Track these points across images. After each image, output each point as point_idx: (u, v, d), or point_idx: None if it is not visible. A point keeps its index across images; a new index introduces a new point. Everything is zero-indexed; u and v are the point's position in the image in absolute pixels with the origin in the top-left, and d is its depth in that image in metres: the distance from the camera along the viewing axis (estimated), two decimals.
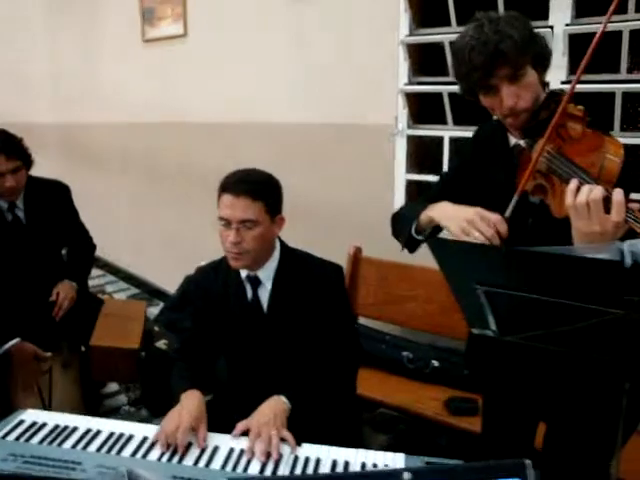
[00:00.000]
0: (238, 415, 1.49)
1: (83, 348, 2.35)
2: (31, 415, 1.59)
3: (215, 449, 1.40)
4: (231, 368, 1.71)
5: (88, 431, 1.49)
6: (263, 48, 3.10)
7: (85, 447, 1.43)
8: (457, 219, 1.23)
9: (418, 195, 2.59)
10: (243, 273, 1.64)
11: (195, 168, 3.63)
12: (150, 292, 3.99)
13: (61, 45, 4.68)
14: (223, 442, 1.43)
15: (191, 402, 1.48)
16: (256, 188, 1.52)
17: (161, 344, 2.55)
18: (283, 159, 3.03)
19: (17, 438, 1.47)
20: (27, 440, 1.46)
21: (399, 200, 2.67)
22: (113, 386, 2.86)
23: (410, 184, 2.67)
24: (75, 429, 1.51)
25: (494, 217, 1.20)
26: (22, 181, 2.29)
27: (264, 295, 1.63)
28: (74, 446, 1.43)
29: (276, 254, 1.63)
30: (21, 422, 1.55)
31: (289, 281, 1.61)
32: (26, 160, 2.31)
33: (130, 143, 4.14)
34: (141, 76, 3.86)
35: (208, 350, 1.68)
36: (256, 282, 1.62)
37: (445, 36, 2.32)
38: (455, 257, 1.12)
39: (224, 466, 1.35)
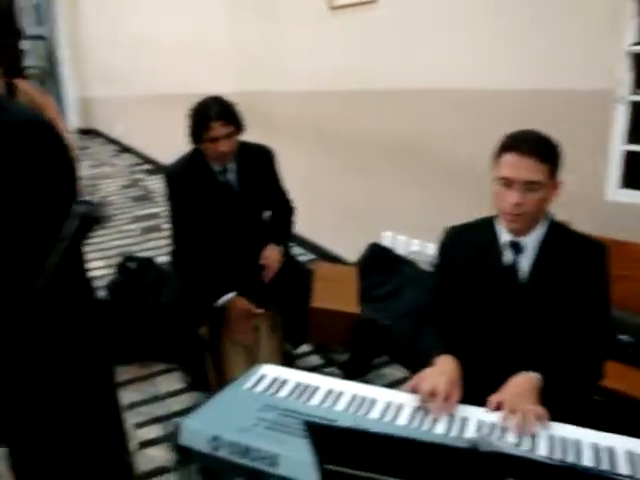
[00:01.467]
0: (477, 387, 1.46)
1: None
2: (271, 370, 1.67)
3: (464, 420, 1.39)
4: (474, 335, 1.64)
5: (330, 391, 1.55)
6: (457, 14, 2.98)
7: (331, 407, 1.48)
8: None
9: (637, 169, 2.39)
10: (505, 237, 1.58)
11: (378, 137, 3.62)
12: (327, 259, 4.09)
13: (241, 14, 4.85)
14: (471, 414, 1.41)
15: (448, 367, 1.46)
16: (544, 150, 1.46)
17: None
18: (474, 127, 2.93)
19: (265, 391, 1.56)
20: (274, 394, 1.55)
21: (613, 173, 2.46)
22: (303, 347, 2.98)
23: (629, 155, 2.45)
24: (317, 388, 1.57)
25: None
26: (234, 146, 2.36)
27: (525, 262, 1.56)
28: (320, 404, 1.49)
29: (545, 221, 1.56)
30: (263, 376, 1.64)
31: (554, 251, 1.53)
32: (239, 125, 2.37)
33: (309, 111, 4.22)
34: (326, 43, 3.88)
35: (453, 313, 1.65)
36: (518, 248, 1.56)
37: None
38: None
39: None
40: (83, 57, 9.09)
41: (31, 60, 10.43)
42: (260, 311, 2.41)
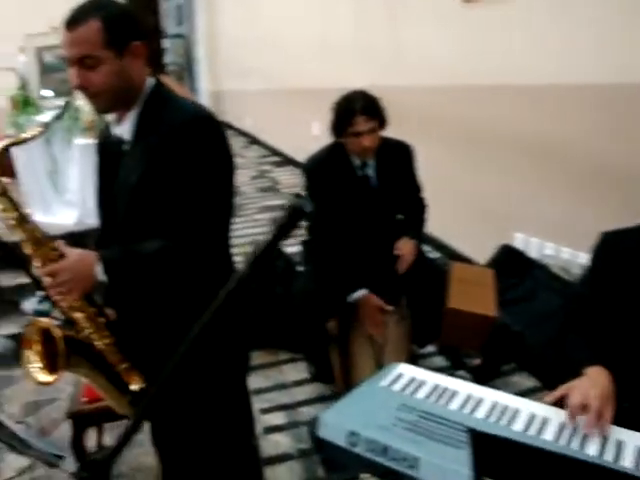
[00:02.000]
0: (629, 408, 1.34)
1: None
2: (407, 370, 1.65)
3: (620, 445, 1.29)
4: (630, 351, 1.49)
5: (469, 397, 1.50)
6: (598, 6, 2.76)
7: (471, 413, 1.44)
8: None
9: None
10: None
11: (513, 134, 3.46)
12: (454, 258, 3.99)
13: (371, 7, 4.84)
14: (628, 438, 1.30)
15: (601, 380, 1.34)
16: None
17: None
18: (617, 126, 2.71)
19: (402, 390, 1.55)
20: (412, 394, 1.53)
21: None
22: (428, 347, 2.93)
23: None
24: (455, 393, 1.53)
25: None
26: (377, 141, 2.35)
27: None
28: (459, 410, 1.45)
29: None
30: (400, 375, 1.63)
31: None
32: (383, 121, 2.36)
33: (439, 107, 4.14)
34: (458, 38, 3.78)
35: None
36: None
37: None
38: None
39: None
40: (217, 53, 9.53)
41: (170, 57, 11.14)
42: (390, 308, 2.40)
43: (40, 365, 1.35)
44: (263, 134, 7.80)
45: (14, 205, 1.33)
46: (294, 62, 6.26)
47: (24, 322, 3.36)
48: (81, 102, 4.42)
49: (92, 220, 4.20)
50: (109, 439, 2.66)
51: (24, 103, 4.52)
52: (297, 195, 0.75)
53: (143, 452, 2.32)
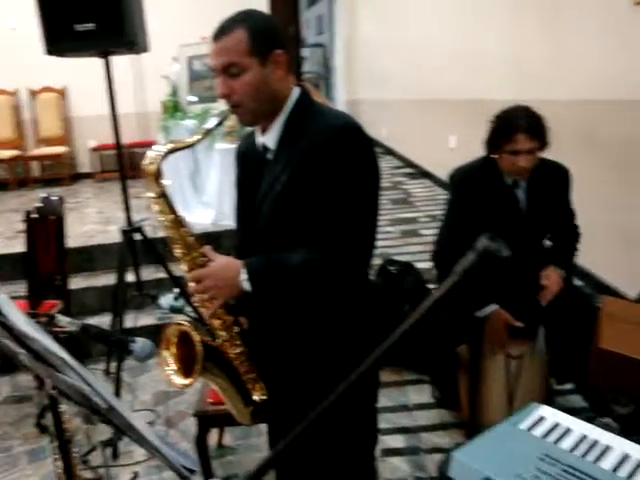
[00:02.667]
0: None
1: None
2: (550, 413, 1.49)
3: None
4: None
5: (626, 457, 1.31)
6: None
7: (629, 478, 1.25)
8: None
9: None
10: None
11: None
12: (600, 290, 3.65)
13: (524, 17, 4.58)
14: None
15: None
16: None
17: None
18: None
19: (544, 437, 1.40)
20: (555, 443, 1.37)
21: None
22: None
23: None
24: (608, 449, 1.34)
25: None
26: (535, 162, 2.18)
27: None
28: (613, 472, 1.27)
29: None
30: (542, 419, 1.47)
31: None
32: (544, 142, 2.18)
33: (593, 123, 3.81)
34: (627, 46, 3.44)
35: None
36: None
37: None
38: None
39: None
40: (354, 62, 9.61)
41: (309, 66, 11.44)
42: (520, 324, 2.24)
43: (175, 367, 1.37)
44: (398, 145, 7.72)
45: (171, 208, 1.36)
46: (433, 72, 6.12)
47: (160, 316, 3.56)
48: (223, 108, 4.64)
49: (227, 222, 4.42)
50: (228, 439, 2.73)
51: (173, 108, 4.81)
52: (492, 237, 0.65)
53: (261, 457, 2.32)
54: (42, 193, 3.10)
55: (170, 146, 1.35)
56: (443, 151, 5.79)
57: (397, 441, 2.60)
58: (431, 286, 3.35)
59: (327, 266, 1.33)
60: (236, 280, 1.31)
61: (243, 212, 1.52)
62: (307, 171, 1.32)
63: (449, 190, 2.45)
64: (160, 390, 3.17)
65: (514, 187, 2.27)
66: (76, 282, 3.91)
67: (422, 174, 6.64)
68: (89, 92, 6.78)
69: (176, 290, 2.05)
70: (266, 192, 1.40)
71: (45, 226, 3.01)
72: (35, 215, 2.86)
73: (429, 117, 6.30)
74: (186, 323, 1.35)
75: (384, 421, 2.71)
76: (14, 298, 3.28)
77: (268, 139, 1.43)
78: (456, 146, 5.62)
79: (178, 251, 1.37)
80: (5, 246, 4.39)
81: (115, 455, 2.62)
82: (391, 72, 7.53)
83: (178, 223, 1.36)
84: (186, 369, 1.36)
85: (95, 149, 7.18)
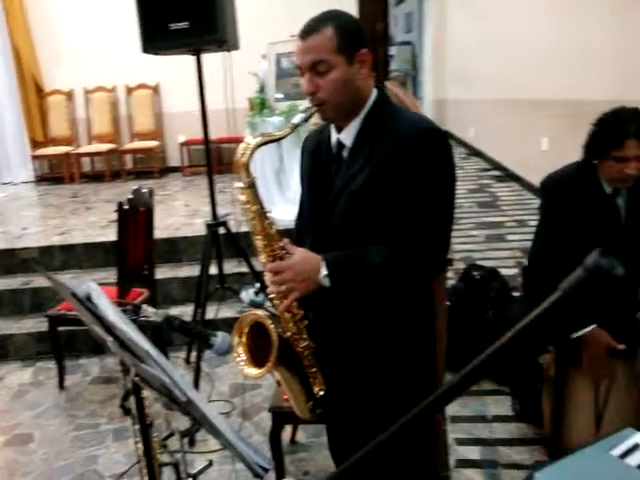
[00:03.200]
0: None
1: None
2: None
3: None
4: None
5: None
6: None
7: None
8: None
9: None
10: None
11: None
12: None
13: (625, 9, 4.30)
14: None
15: None
16: None
17: None
18: None
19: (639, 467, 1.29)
20: None
21: None
22: None
23: None
24: None
25: None
26: None
27: None
28: None
29: None
30: (636, 447, 1.36)
31: None
32: None
33: None
34: None
35: None
36: None
37: None
38: None
39: None
40: (443, 61, 9.41)
41: (396, 64, 11.33)
42: (622, 347, 2.09)
43: (246, 357, 1.38)
44: (486, 146, 7.49)
45: (257, 199, 1.38)
46: (526, 71, 5.88)
47: (240, 309, 3.62)
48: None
49: None
50: (302, 436, 2.74)
51: (261, 105, 4.89)
52: (603, 252, 0.59)
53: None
54: (134, 185, 3.23)
55: (260, 139, 1.37)
56: (535, 154, 5.55)
57: (473, 453, 2.51)
58: (516, 294, 3.22)
59: (407, 265, 1.34)
60: (315, 275, 1.31)
61: (312, 209, 1.51)
62: (388, 170, 1.33)
63: (541, 198, 2.32)
64: (237, 382, 3.23)
65: (615, 195, 2.11)
66: (162, 272, 4.06)
67: (511, 177, 6.40)
68: (180, 89, 7.05)
69: (257, 285, 2.06)
70: (340, 190, 1.40)
71: (136, 217, 3.13)
72: (126, 206, 2.98)
73: (521, 118, 6.06)
74: (261, 314, 1.35)
75: (460, 431, 2.63)
76: (105, 285, 3.46)
77: (345, 136, 1.43)
78: (548, 149, 5.37)
79: (259, 242, 1.38)
80: (99, 235, 4.63)
81: (192, 442, 2.69)
82: (482, 71, 7.31)
83: (262, 214, 1.38)
84: (257, 360, 1.37)
85: (184, 144, 7.44)
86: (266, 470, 0.97)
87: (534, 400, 2.56)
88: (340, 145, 1.44)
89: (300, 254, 1.34)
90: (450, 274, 3.85)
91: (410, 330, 1.44)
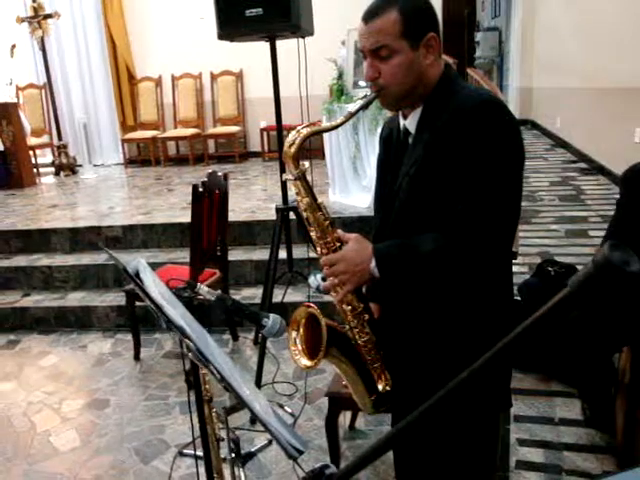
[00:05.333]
0: None
1: None
2: None
3: None
4: None
5: None
6: None
7: None
8: None
9: None
10: None
11: None
12: None
13: None
14: None
15: None
16: None
17: None
18: None
19: None
20: None
21: None
22: None
23: None
24: None
25: None
26: None
27: None
28: None
29: None
30: None
31: None
32: None
33: None
34: None
35: None
36: None
37: None
38: None
39: None
40: (530, 48, 9.00)
41: (482, 51, 10.94)
42: None
43: (301, 348, 1.39)
44: (572, 137, 7.12)
45: (308, 191, 1.38)
46: (619, 57, 5.52)
47: (309, 294, 3.67)
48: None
49: None
50: (361, 423, 2.75)
51: (339, 92, 4.88)
52: (615, 245, 0.55)
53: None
54: (215, 169, 3.32)
55: (309, 129, 1.34)
56: (627, 146, 5.22)
57: (536, 455, 2.42)
58: None
59: (462, 252, 1.24)
60: (366, 266, 1.28)
61: (381, 196, 1.49)
62: (442, 148, 1.25)
63: (620, 191, 2.19)
64: None
65: None
66: (236, 254, 4.17)
67: (598, 169, 6.06)
68: (262, 75, 7.15)
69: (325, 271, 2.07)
70: (404, 175, 1.35)
71: (210, 199, 3.23)
72: (201, 189, 3.08)
73: (612, 107, 5.72)
74: (314, 306, 1.36)
75: (524, 431, 2.54)
76: (180, 264, 3.59)
77: (410, 123, 1.38)
78: None
79: (313, 234, 1.37)
80: (178, 216, 4.81)
81: (253, 421, 2.77)
82: (571, 58, 6.94)
83: (314, 206, 1.35)
84: (312, 351, 1.37)
85: (264, 129, 7.57)
86: (300, 452, 0.98)
87: (606, 405, 2.44)
88: (407, 132, 1.39)
89: (352, 244, 1.31)
90: (524, 269, 3.72)
91: (484, 319, 1.34)
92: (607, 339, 2.27)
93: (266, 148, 7.68)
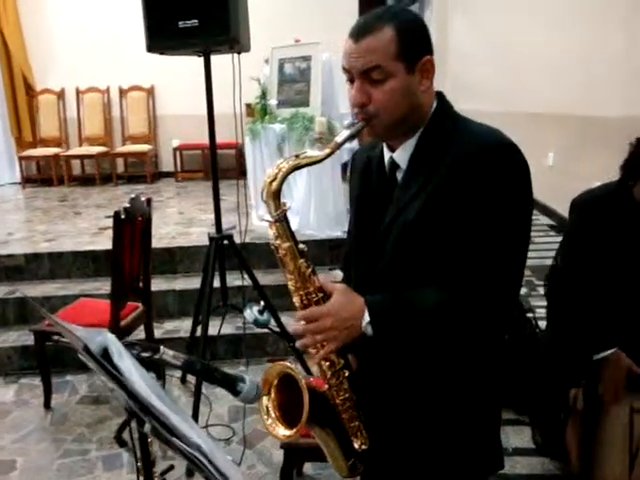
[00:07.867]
0: None
1: None
2: None
3: None
4: None
5: None
6: None
7: None
8: None
9: None
10: None
11: None
12: None
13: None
14: None
15: None
16: None
17: None
18: None
19: None
20: None
21: None
22: None
23: None
24: None
25: None
26: None
27: None
28: None
29: None
30: None
31: None
32: None
33: None
34: None
35: None
36: None
37: None
38: None
39: None
40: (444, 70, 9.30)
41: None
42: None
43: (274, 416, 1.18)
44: None
45: (289, 235, 1.17)
46: (533, 83, 5.75)
47: (240, 325, 3.43)
48: (316, 113, 4.50)
49: (310, 231, 4.28)
50: (309, 467, 2.55)
51: (262, 111, 4.71)
52: None
53: None
54: (125, 190, 3.03)
55: (294, 161, 1.14)
56: (541, 169, 5.42)
57: None
58: (529, 315, 3.06)
59: (463, 312, 1.11)
60: (356, 322, 1.11)
61: (359, 239, 1.31)
62: (449, 194, 1.10)
63: (570, 218, 2.18)
64: (237, 404, 3.03)
65: None
66: (156, 284, 3.86)
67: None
68: (175, 92, 6.86)
69: (262, 303, 1.89)
70: (393, 219, 1.18)
71: (133, 227, 2.94)
72: (123, 215, 2.78)
73: (525, 132, 5.93)
74: (289, 365, 1.16)
75: None
76: (96, 296, 3.23)
77: (399, 156, 1.21)
78: (554, 164, 5.25)
79: (290, 283, 1.17)
80: (89, 242, 4.42)
81: (190, 473, 2.50)
82: (484, 82, 7.19)
83: (295, 252, 1.16)
84: (287, 416, 1.17)
85: (177, 148, 7.24)
86: None
87: (558, 434, 2.41)
88: (394, 165, 1.22)
89: (338, 297, 1.14)
90: None
91: (472, 385, 1.22)
92: (568, 374, 2.26)
93: (179, 168, 7.34)
